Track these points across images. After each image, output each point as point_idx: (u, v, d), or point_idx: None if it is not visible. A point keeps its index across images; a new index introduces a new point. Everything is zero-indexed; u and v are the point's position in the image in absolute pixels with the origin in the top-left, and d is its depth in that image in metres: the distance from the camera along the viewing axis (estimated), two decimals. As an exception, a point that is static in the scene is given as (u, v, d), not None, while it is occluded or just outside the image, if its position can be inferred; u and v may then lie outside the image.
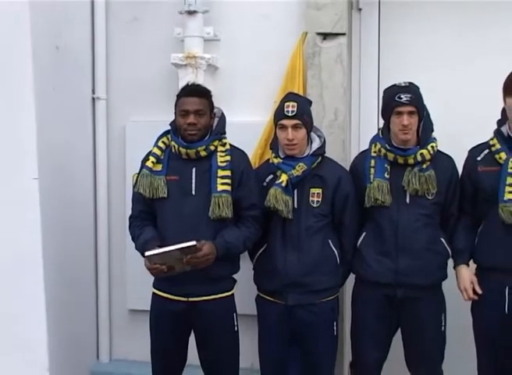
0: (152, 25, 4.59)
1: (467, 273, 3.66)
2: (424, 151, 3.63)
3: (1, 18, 3.96)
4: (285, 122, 3.67)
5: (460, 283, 3.66)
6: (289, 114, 3.67)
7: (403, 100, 3.57)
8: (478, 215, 3.68)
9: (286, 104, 3.72)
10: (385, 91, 3.76)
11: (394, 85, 3.70)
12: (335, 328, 3.83)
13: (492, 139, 3.60)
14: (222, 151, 3.68)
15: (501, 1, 4.24)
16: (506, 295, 3.51)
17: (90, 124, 4.75)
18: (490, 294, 3.56)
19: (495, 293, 3.54)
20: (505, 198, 3.46)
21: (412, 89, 3.63)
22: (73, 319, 4.50)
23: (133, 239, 3.80)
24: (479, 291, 3.59)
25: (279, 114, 3.73)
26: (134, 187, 3.81)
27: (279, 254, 3.74)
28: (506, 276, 3.51)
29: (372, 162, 3.74)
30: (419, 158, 3.63)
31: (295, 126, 3.67)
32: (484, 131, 3.65)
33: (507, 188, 3.48)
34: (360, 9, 4.49)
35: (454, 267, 3.72)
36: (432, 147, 3.68)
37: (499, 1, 4.23)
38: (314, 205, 3.70)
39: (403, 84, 3.66)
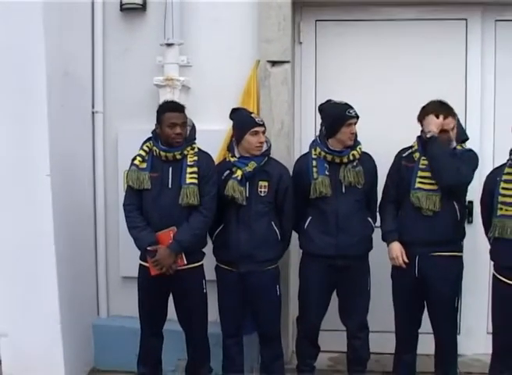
0: (139, 54, 5.02)
1: (398, 245, 4.17)
2: (354, 152, 4.23)
3: (20, 47, 4.41)
4: (257, 129, 4.23)
5: (393, 253, 4.15)
6: (261, 122, 4.27)
7: (353, 114, 4.17)
8: (400, 201, 4.23)
9: (252, 115, 4.34)
10: (330, 106, 4.29)
11: (335, 103, 4.26)
12: (278, 290, 4.37)
13: (414, 142, 4.19)
14: (191, 154, 4.20)
15: (412, 30, 4.94)
16: (416, 262, 4.11)
17: (90, 132, 5.14)
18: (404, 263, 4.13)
19: (409, 260, 4.11)
20: (415, 187, 4.06)
21: (351, 105, 4.21)
22: (78, 283, 4.88)
23: (131, 227, 4.24)
24: (406, 260, 4.12)
25: (251, 123, 4.25)
26: (126, 181, 4.32)
27: (233, 232, 4.27)
28: (416, 248, 4.09)
29: (314, 162, 4.27)
30: (351, 157, 4.22)
31: (263, 132, 4.28)
32: (399, 136, 4.35)
33: (418, 179, 4.07)
34: (301, 43, 5.05)
35: (387, 244, 4.21)
36: (360, 148, 4.27)
37: (410, 30, 4.94)
38: (262, 195, 4.26)
39: (344, 102, 4.23)
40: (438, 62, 4.92)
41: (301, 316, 4.53)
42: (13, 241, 4.58)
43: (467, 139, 4.27)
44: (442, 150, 4.02)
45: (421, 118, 4.11)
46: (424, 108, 4.11)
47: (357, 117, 4.22)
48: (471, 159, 4.10)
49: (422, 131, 4.14)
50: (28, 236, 4.55)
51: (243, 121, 4.32)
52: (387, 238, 4.26)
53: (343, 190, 4.28)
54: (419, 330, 4.33)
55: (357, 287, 4.36)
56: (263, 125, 4.29)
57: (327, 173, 4.25)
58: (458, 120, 4.20)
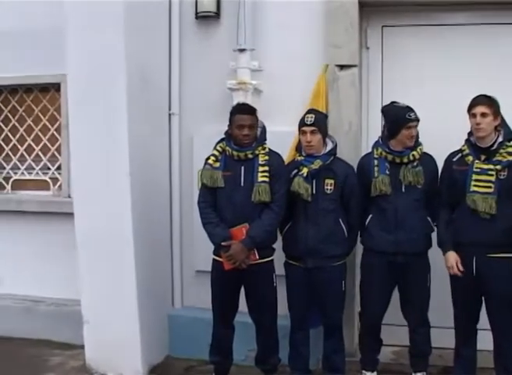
0: (213, 59, 5.22)
1: (453, 255, 4.20)
2: (414, 153, 4.31)
3: (100, 49, 4.65)
4: (305, 128, 4.35)
5: (448, 263, 4.20)
6: (308, 122, 4.34)
7: (412, 117, 4.26)
8: (453, 204, 4.24)
9: (306, 115, 4.38)
10: (391, 109, 4.37)
11: (396, 106, 4.34)
12: (343, 285, 4.45)
13: (463, 146, 4.22)
14: (262, 153, 4.34)
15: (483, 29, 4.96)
16: (473, 263, 4.14)
17: (166, 133, 5.34)
18: (463, 262, 4.17)
19: (466, 261, 4.16)
20: (471, 190, 4.08)
21: (412, 108, 4.29)
22: (155, 276, 5.08)
23: (206, 223, 4.38)
24: (461, 269, 4.14)
25: (301, 123, 4.38)
26: (200, 179, 4.43)
27: (301, 228, 4.37)
28: (473, 249, 4.12)
29: (375, 162, 4.37)
30: (411, 157, 4.29)
31: (312, 132, 4.33)
32: (460, 138, 4.27)
33: (472, 182, 4.08)
34: (368, 47, 5.20)
35: (443, 253, 4.24)
36: (420, 149, 4.34)
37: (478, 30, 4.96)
38: (328, 192, 4.35)
39: (405, 105, 4.30)
40: (501, 64, 4.98)
41: (363, 311, 4.63)
42: (95, 237, 4.81)
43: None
44: None
45: (468, 110, 4.16)
46: (470, 101, 4.16)
47: (418, 120, 4.29)
48: None
49: (471, 131, 4.20)
50: (109, 232, 4.76)
51: (300, 121, 4.44)
52: (442, 248, 4.32)
53: (403, 189, 4.35)
54: (481, 326, 4.35)
55: (416, 284, 4.41)
56: (312, 124, 4.36)
57: (387, 172, 4.34)
58: (503, 119, 4.20)
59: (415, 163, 4.33)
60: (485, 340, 4.33)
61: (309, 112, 4.48)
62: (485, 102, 4.10)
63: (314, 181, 4.39)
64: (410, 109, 4.29)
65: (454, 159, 4.27)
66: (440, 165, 4.40)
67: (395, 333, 4.83)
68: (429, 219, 4.44)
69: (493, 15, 4.97)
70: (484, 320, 4.31)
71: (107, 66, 4.70)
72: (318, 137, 4.39)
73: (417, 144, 4.39)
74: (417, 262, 4.39)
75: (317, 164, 4.37)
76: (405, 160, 4.33)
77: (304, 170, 4.36)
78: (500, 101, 4.14)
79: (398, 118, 4.30)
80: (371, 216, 4.46)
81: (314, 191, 4.38)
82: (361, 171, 4.52)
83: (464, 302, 4.30)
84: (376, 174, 4.35)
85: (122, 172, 4.73)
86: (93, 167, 4.78)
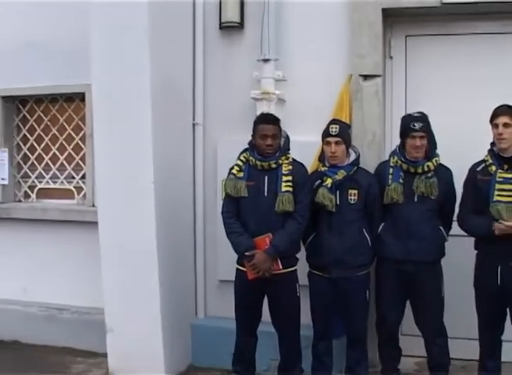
0: (237, 69, 5.27)
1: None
2: (429, 164, 4.30)
3: (124, 56, 4.68)
4: (329, 139, 4.36)
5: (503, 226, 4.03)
6: (333, 133, 4.34)
7: (416, 128, 4.25)
8: (477, 213, 4.21)
9: (331, 126, 4.38)
10: (402, 118, 4.41)
11: (409, 115, 4.38)
12: (367, 295, 4.46)
13: (486, 156, 4.22)
14: (286, 163, 4.35)
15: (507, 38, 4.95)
16: (498, 272, 4.12)
17: (190, 143, 5.37)
18: (487, 272, 4.16)
19: (491, 271, 4.13)
20: (494, 199, 4.07)
21: (423, 118, 4.29)
22: (178, 286, 5.09)
23: (230, 232, 4.39)
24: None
25: (325, 133, 4.39)
26: (224, 189, 4.43)
27: (325, 238, 4.37)
28: (498, 258, 4.11)
29: (390, 170, 4.38)
30: (425, 168, 4.29)
31: (337, 143, 4.34)
32: (482, 147, 4.27)
33: (496, 192, 4.08)
34: (391, 57, 5.20)
35: (494, 231, 4.06)
36: (436, 160, 4.34)
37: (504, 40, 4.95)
38: (352, 202, 4.36)
39: (416, 115, 4.32)
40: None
41: (378, 321, 4.62)
42: (119, 246, 4.84)
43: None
44: None
45: (491, 120, 4.16)
46: (493, 111, 4.17)
47: (422, 131, 4.28)
48: None
49: (493, 142, 4.20)
50: (132, 241, 4.78)
51: (323, 131, 4.46)
52: (485, 228, 4.16)
53: (416, 199, 4.36)
54: (506, 338, 4.32)
55: (428, 293, 4.39)
56: (337, 135, 4.38)
57: (401, 180, 4.35)
58: None
59: (429, 174, 4.33)
60: (510, 352, 4.33)
61: (333, 122, 4.49)
62: (508, 112, 4.11)
63: (337, 192, 4.39)
64: (416, 119, 4.31)
65: (478, 169, 4.26)
66: (463, 175, 4.38)
67: (417, 343, 4.74)
68: (442, 228, 4.43)
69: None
70: (509, 331, 4.28)
71: (131, 76, 4.73)
72: (342, 148, 4.40)
73: (434, 155, 4.38)
74: (428, 271, 4.37)
75: (341, 175, 4.38)
76: (419, 170, 4.33)
77: (328, 181, 4.37)
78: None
79: (403, 127, 4.36)
80: (383, 224, 4.47)
81: (338, 202, 4.39)
82: (377, 178, 4.54)
83: (488, 313, 4.26)
84: (390, 182, 4.37)
85: (146, 181, 4.74)
86: (117, 176, 4.81)
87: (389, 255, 4.41)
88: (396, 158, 4.43)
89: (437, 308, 4.44)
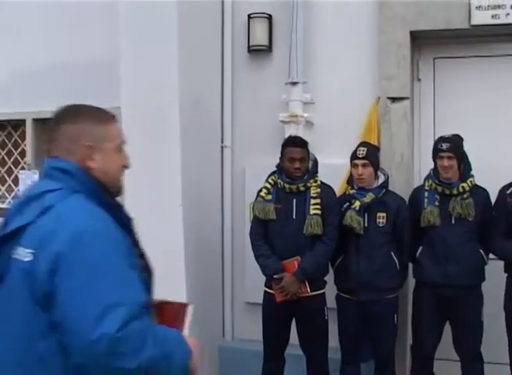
0: (265, 92, 5.30)
1: None
2: (464, 185, 4.28)
3: (158, 85, 4.69)
4: (356, 161, 4.36)
5: None
6: (360, 156, 4.35)
7: (443, 148, 4.26)
8: (510, 236, 4.21)
9: (358, 148, 4.40)
10: (435, 141, 4.42)
11: (441, 136, 4.37)
12: (395, 319, 4.42)
13: None
14: (314, 186, 4.37)
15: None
16: None
17: (219, 165, 5.38)
18: None
19: None
20: None
21: (452, 139, 4.28)
22: (206, 308, 4.96)
23: (258, 255, 4.42)
24: None
25: (353, 156, 4.39)
26: (252, 211, 4.50)
27: (353, 261, 4.35)
28: None
29: (426, 193, 4.36)
30: (461, 189, 4.27)
31: (364, 165, 4.34)
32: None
33: None
34: (419, 79, 5.20)
35: None
36: (471, 181, 4.31)
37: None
38: (380, 225, 4.34)
39: (446, 136, 4.33)
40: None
41: (414, 344, 4.57)
42: None
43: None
44: None
45: None
46: None
47: (450, 151, 4.26)
48: None
49: None
50: (161, 264, 4.64)
51: (352, 154, 4.45)
52: None
53: (453, 221, 4.33)
54: None
55: (468, 318, 4.35)
56: (364, 158, 4.40)
57: (437, 203, 4.33)
58: None
59: (465, 195, 4.30)
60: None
61: (361, 145, 4.50)
62: None
63: (366, 214, 4.38)
64: (444, 140, 4.31)
65: (508, 192, 4.27)
66: (494, 197, 4.37)
67: (451, 368, 4.71)
68: (482, 251, 4.37)
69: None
70: None
71: (160, 97, 4.74)
72: (369, 171, 4.40)
73: (468, 176, 4.37)
74: (468, 296, 4.32)
75: (369, 197, 4.37)
76: (454, 192, 4.31)
77: (357, 204, 4.37)
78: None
79: (433, 149, 4.37)
80: (421, 248, 4.43)
81: (366, 225, 4.37)
82: (412, 203, 4.50)
83: None
84: (425, 205, 4.34)
85: (174, 203, 4.72)
86: (145, 199, 4.73)
87: (428, 279, 4.39)
88: (430, 181, 4.41)
89: (476, 333, 4.38)
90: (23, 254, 1.91)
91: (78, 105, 2.23)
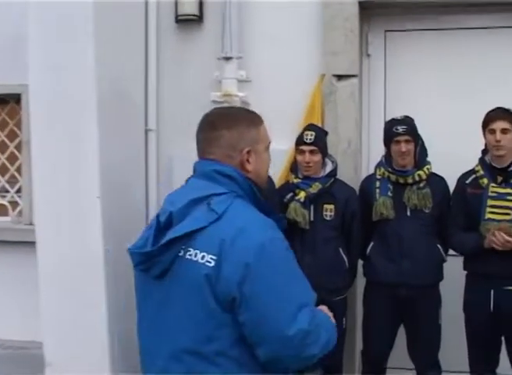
0: (195, 68, 5.00)
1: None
2: (420, 172, 4.08)
3: (72, 63, 4.34)
4: (303, 147, 4.14)
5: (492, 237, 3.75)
6: (307, 141, 4.13)
7: (399, 131, 4.02)
8: (467, 229, 3.98)
9: (305, 132, 4.19)
10: (385, 123, 4.24)
11: (392, 118, 4.16)
12: (343, 323, 4.20)
13: (477, 166, 3.99)
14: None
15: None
16: (491, 296, 3.86)
17: (142, 151, 5.09)
18: (479, 296, 3.92)
19: (482, 295, 3.89)
20: (485, 217, 3.83)
21: (407, 121, 4.09)
22: (129, 311, 4.84)
23: None
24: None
25: (299, 141, 4.18)
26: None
27: (297, 259, 4.24)
28: (491, 281, 3.85)
29: (377, 183, 4.18)
30: (416, 178, 4.07)
31: (312, 152, 4.13)
32: (474, 155, 4.05)
33: (488, 209, 3.84)
34: (369, 55, 4.97)
35: (484, 244, 3.81)
36: (428, 169, 4.12)
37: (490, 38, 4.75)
38: (327, 219, 4.15)
39: (399, 118, 4.11)
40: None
41: (365, 350, 4.40)
42: (61, 270, 4.49)
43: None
44: None
45: (484, 125, 3.93)
46: (487, 115, 3.93)
47: (407, 134, 4.05)
48: None
49: (485, 149, 4.00)
50: (77, 263, 4.45)
51: (297, 138, 4.27)
52: (479, 245, 3.89)
53: (408, 213, 4.13)
54: (501, 371, 4.11)
55: (424, 321, 4.15)
56: (312, 143, 4.19)
57: (390, 194, 4.15)
58: None
59: (422, 184, 4.10)
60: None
61: (308, 128, 4.27)
62: (506, 117, 3.87)
63: (312, 207, 4.18)
64: (399, 122, 4.10)
65: (467, 181, 4.04)
66: (451, 186, 4.18)
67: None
68: (440, 247, 4.17)
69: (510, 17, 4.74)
70: (504, 364, 4.07)
71: (75, 77, 4.40)
72: (317, 158, 4.19)
73: (425, 163, 4.17)
74: (425, 296, 4.12)
75: (315, 187, 4.16)
76: (410, 181, 4.10)
77: (301, 195, 4.16)
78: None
79: (386, 132, 4.18)
80: (372, 243, 4.25)
81: (312, 218, 4.18)
82: (363, 194, 4.33)
83: (480, 342, 4.02)
84: (377, 196, 4.16)
85: (91, 195, 4.40)
86: (59, 190, 4.44)
87: (380, 279, 4.18)
88: (382, 169, 4.21)
89: (433, 338, 4.20)
90: (201, 258, 2.10)
91: (231, 109, 2.62)
